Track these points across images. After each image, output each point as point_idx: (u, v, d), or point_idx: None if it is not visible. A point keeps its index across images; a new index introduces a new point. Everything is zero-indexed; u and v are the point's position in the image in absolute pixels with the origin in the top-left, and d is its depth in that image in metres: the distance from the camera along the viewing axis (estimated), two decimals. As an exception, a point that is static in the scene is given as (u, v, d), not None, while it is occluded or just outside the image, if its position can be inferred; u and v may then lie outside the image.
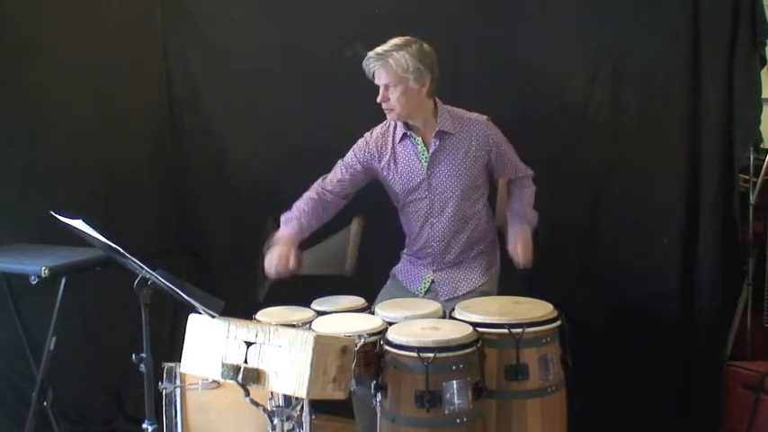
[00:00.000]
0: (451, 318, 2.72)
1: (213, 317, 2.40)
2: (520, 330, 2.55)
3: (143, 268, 2.40)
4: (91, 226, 2.43)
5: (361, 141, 3.06)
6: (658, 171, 3.19)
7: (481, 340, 2.53)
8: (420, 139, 2.97)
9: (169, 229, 4.08)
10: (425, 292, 3.04)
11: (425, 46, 2.88)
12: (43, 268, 2.93)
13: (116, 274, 2.75)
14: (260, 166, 3.89)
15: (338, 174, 3.04)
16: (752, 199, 3.21)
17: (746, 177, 3.22)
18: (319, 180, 3.06)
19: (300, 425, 2.52)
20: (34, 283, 2.96)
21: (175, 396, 2.94)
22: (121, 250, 2.45)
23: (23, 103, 3.44)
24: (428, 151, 2.95)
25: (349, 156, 3.05)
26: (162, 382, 2.90)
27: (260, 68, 3.83)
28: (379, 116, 3.06)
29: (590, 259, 3.33)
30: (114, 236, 2.47)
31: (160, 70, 4.05)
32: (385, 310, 2.79)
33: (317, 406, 2.55)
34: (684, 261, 3.14)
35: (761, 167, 3.23)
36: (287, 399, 2.50)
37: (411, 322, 2.65)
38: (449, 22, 3.45)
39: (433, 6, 3.47)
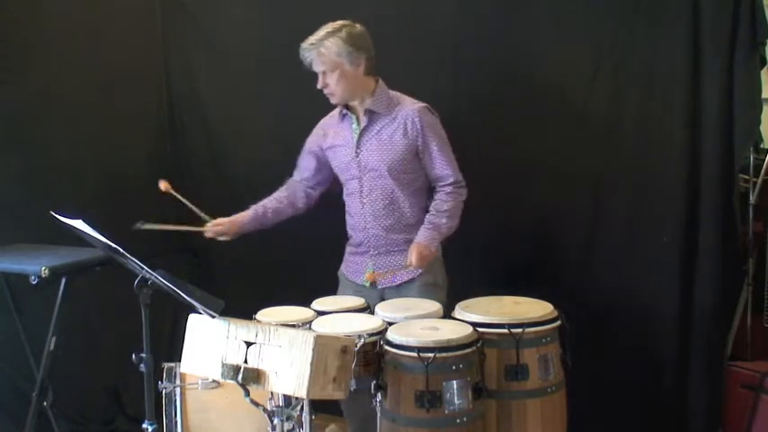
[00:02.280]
0: (451, 318, 2.72)
1: (213, 317, 2.40)
2: (520, 330, 2.55)
3: (143, 268, 2.40)
4: (91, 226, 2.43)
5: (316, 126, 3.21)
6: (658, 171, 3.19)
7: (481, 340, 2.54)
8: (355, 117, 3.06)
9: (169, 229, 4.07)
10: (370, 283, 3.06)
11: (357, 28, 2.98)
12: (43, 268, 2.93)
13: (116, 274, 2.75)
14: (260, 165, 3.88)
15: (302, 160, 3.25)
16: (752, 199, 3.22)
17: (746, 177, 3.22)
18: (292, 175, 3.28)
19: (300, 425, 2.52)
20: (34, 283, 2.95)
21: (175, 396, 2.95)
22: (121, 250, 2.45)
23: (24, 103, 3.44)
24: (360, 128, 3.03)
25: (307, 141, 3.23)
26: (162, 382, 2.90)
27: (260, 68, 3.83)
28: (379, 116, 3.06)
29: (590, 259, 3.33)
30: (114, 236, 2.47)
31: (160, 70, 4.05)
32: (385, 310, 2.79)
33: (317, 406, 2.54)
34: (684, 261, 3.14)
35: (761, 167, 3.23)
36: (287, 399, 2.51)
37: (411, 322, 2.65)
38: (449, 22, 3.45)
39: (433, 6, 3.47)
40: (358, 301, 2.93)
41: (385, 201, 3.02)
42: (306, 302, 2.89)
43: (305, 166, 3.25)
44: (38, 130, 3.50)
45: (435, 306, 2.82)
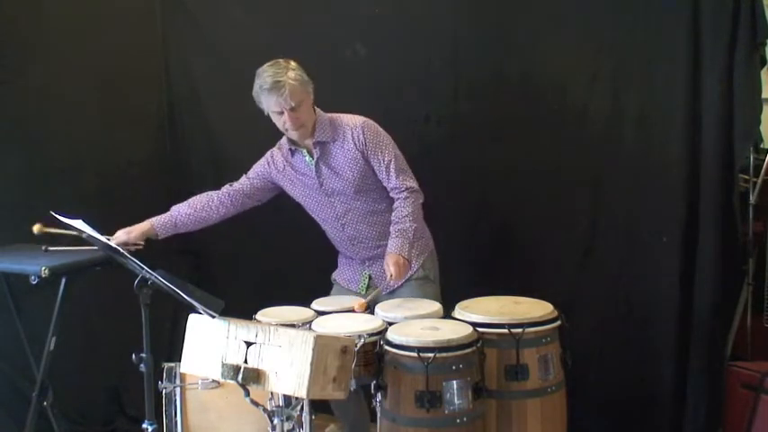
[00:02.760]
0: (451, 318, 2.72)
1: (213, 317, 2.40)
2: (520, 330, 2.55)
3: (143, 268, 2.41)
4: (91, 226, 2.43)
5: (265, 156, 3.16)
6: (658, 171, 3.19)
7: (481, 340, 2.53)
8: (306, 150, 3.03)
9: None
10: (366, 289, 3.07)
11: (292, 61, 2.95)
12: (43, 268, 2.92)
13: (116, 274, 2.75)
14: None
15: (249, 172, 3.19)
16: (752, 199, 3.22)
17: (746, 177, 3.22)
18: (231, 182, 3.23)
19: (300, 425, 2.52)
20: (34, 283, 2.95)
21: (175, 396, 2.95)
22: (121, 250, 2.45)
23: (23, 103, 3.44)
24: (314, 160, 3.01)
25: (257, 164, 3.19)
26: (162, 382, 2.90)
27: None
28: (379, 116, 3.06)
29: (590, 259, 3.33)
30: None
31: (160, 70, 4.05)
32: (385, 311, 2.79)
33: (317, 406, 2.54)
34: (684, 261, 3.14)
35: (761, 167, 3.23)
36: (287, 399, 2.50)
37: (411, 322, 2.65)
38: (448, 22, 3.45)
39: (433, 6, 3.47)
40: (358, 301, 2.93)
41: (365, 216, 3.02)
42: (306, 302, 2.89)
43: (253, 181, 3.18)
44: (38, 130, 3.50)
45: (435, 306, 2.82)
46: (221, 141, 3.99)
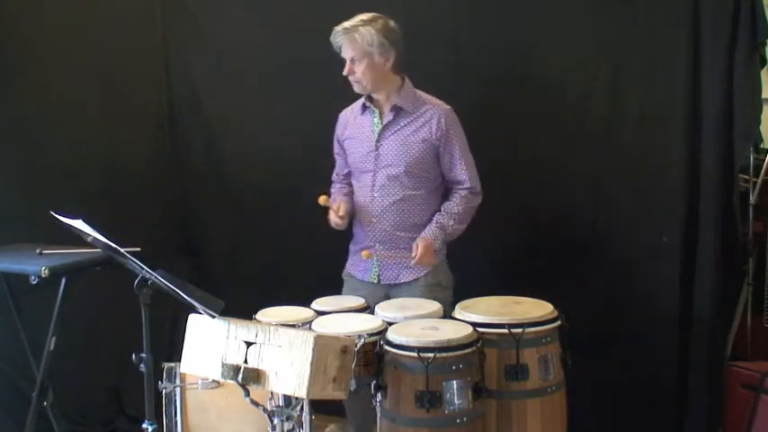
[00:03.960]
0: (451, 318, 2.72)
1: (213, 317, 2.40)
2: (520, 330, 2.55)
3: (143, 268, 2.40)
4: (91, 226, 2.43)
5: (339, 118, 3.22)
6: (658, 171, 3.19)
7: (481, 340, 2.53)
8: (378, 111, 3.05)
9: (169, 229, 4.07)
10: (378, 277, 3.07)
11: (391, 23, 2.97)
12: (43, 268, 2.92)
13: (116, 274, 2.74)
14: (260, 165, 3.88)
15: (338, 160, 3.25)
16: (752, 199, 3.22)
17: (746, 177, 3.23)
18: (332, 177, 3.28)
19: (300, 425, 2.52)
20: (34, 283, 2.95)
21: (175, 396, 2.95)
22: (121, 250, 2.45)
23: (23, 103, 3.44)
24: (382, 123, 3.01)
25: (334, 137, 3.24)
26: (162, 382, 2.90)
27: (260, 69, 3.83)
28: (379, 116, 3.06)
29: (590, 259, 3.33)
30: (114, 236, 2.47)
31: (160, 70, 4.05)
32: (385, 311, 2.79)
33: (317, 406, 2.54)
34: (684, 261, 3.14)
35: (761, 167, 3.23)
36: (287, 399, 2.50)
37: (411, 322, 2.65)
38: (448, 22, 3.45)
39: (433, 6, 3.47)
40: (358, 301, 2.93)
41: (396, 197, 3.01)
42: (306, 302, 2.89)
43: (339, 162, 3.26)
44: (38, 130, 3.50)
45: (435, 306, 2.82)
46: (221, 141, 3.99)
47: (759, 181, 3.23)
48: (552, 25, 3.29)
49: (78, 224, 2.44)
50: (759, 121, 3.03)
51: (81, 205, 3.01)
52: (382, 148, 3.02)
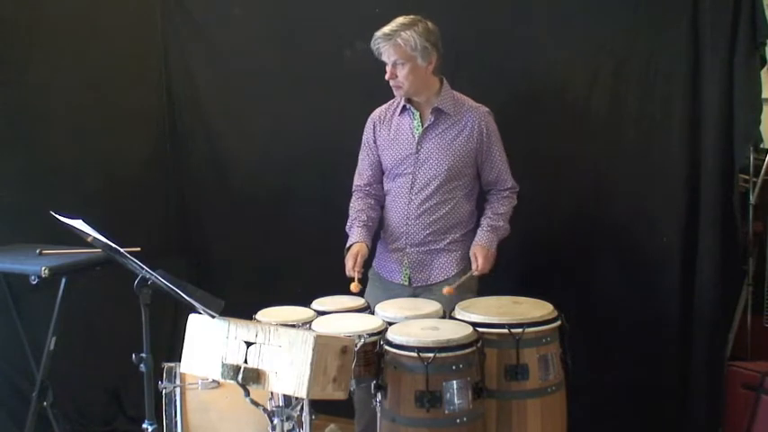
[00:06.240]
0: (451, 318, 2.72)
1: (213, 317, 2.40)
2: (520, 330, 2.55)
3: (143, 268, 2.40)
4: (91, 226, 2.43)
5: (368, 120, 3.15)
6: (658, 171, 3.19)
7: (481, 340, 2.53)
8: (418, 113, 3.02)
9: (169, 229, 4.08)
10: (409, 279, 3.06)
11: (430, 24, 2.95)
12: (43, 268, 2.93)
13: (116, 274, 2.75)
14: (260, 166, 3.89)
15: (363, 162, 3.14)
16: (752, 199, 3.22)
17: (746, 177, 3.22)
18: (354, 185, 3.15)
19: (300, 425, 2.52)
20: (34, 283, 2.96)
21: (175, 396, 2.95)
22: (121, 250, 2.45)
23: (24, 103, 3.44)
24: (423, 126, 3.00)
25: (363, 137, 3.14)
26: (162, 382, 2.90)
27: (260, 68, 3.83)
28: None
29: (590, 259, 3.33)
30: (114, 236, 2.47)
31: (160, 70, 4.05)
32: (385, 310, 2.79)
33: (317, 406, 2.54)
34: (684, 261, 3.14)
35: (761, 167, 3.23)
36: (287, 399, 2.50)
37: (411, 322, 2.65)
38: (448, 22, 3.45)
39: (433, 6, 3.46)
40: (358, 301, 2.93)
41: (434, 200, 2.99)
42: (306, 302, 2.89)
43: (373, 162, 3.11)
44: (38, 130, 3.50)
45: (435, 306, 2.82)
46: (221, 141, 3.99)
47: (759, 181, 3.23)
48: (552, 25, 3.29)
49: (78, 224, 2.44)
50: (759, 122, 3.03)
51: (81, 205, 3.02)
52: (423, 152, 2.99)
